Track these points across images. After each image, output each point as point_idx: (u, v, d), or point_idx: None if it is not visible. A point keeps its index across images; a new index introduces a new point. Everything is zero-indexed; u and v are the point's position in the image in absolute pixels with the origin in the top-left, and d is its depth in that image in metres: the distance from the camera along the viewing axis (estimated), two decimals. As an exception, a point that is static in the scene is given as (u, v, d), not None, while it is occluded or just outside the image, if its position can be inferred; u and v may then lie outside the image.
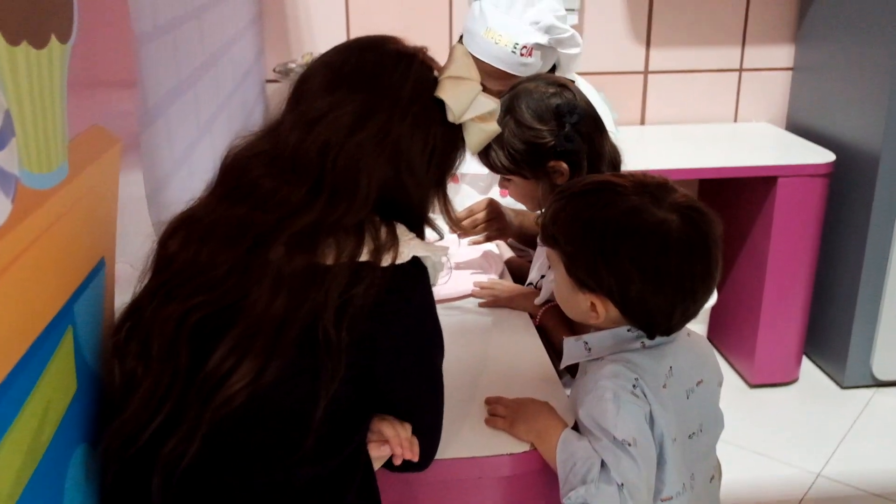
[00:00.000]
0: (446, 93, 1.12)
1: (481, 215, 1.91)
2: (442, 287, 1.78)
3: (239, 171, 1.10)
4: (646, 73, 3.23)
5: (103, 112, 1.09)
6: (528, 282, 1.81)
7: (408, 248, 1.07)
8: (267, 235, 1.04)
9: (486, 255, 1.99)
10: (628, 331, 1.24)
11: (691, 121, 3.30)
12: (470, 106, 1.13)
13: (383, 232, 1.07)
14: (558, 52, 2.10)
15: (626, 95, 3.24)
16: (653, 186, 1.22)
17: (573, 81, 1.80)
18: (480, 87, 1.15)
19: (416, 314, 1.09)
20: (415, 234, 1.11)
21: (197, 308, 1.01)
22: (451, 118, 1.13)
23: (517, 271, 1.97)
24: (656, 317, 1.21)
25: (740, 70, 3.27)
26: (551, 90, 1.64)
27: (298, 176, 1.06)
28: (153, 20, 1.38)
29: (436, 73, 1.14)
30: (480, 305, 1.78)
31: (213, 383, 0.99)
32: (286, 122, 1.10)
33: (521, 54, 2.04)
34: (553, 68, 2.16)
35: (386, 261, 1.05)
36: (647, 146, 3.05)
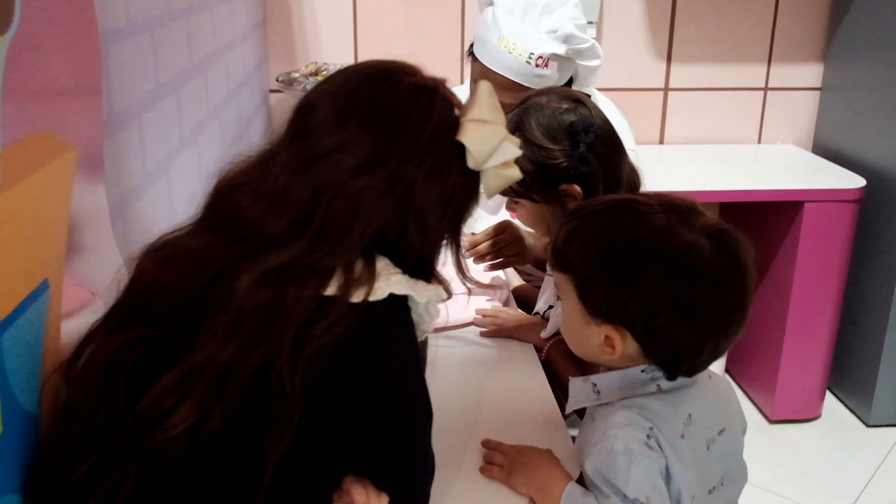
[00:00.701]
0: (469, 137, 1.00)
1: (500, 238, 1.78)
2: (442, 313, 1.66)
3: (223, 198, 0.99)
4: (666, 90, 3.13)
5: (54, 115, 0.97)
6: (534, 311, 1.67)
7: (385, 283, 0.94)
8: (234, 268, 0.92)
9: (493, 281, 1.86)
10: (642, 371, 1.11)
11: (713, 141, 3.20)
12: (494, 153, 1.01)
13: (359, 264, 0.94)
14: (576, 63, 1.96)
15: (644, 113, 3.13)
16: (681, 207, 1.09)
17: (589, 96, 1.67)
18: (505, 132, 1.03)
19: (388, 361, 0.95)
20: (401, 270, 0.98)
21: (141, 340, 0.89)
22: (471, 164, 1.01)
23: (524, 300, 1.83)
24: (682, 353, 1.08)
25: (765, 89, 3.15)
26: (565, 105, 1.50)
27: (286, 211, 0.95)
28: (126, 16, 1.26)
29: (456, 111, 1.02)
30: (482, 335, 1.64)
31: (146, 424, 0.86)
32: (282, 154, 0.99)
33: (537, 65, 1.91)
34: (570, 81, 2.02)
35: (357, 296, 0.92)
36: (666, 166, 2.95)
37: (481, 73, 1.96)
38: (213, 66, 1.91)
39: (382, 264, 0.96)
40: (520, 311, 1.72)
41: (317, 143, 0.96)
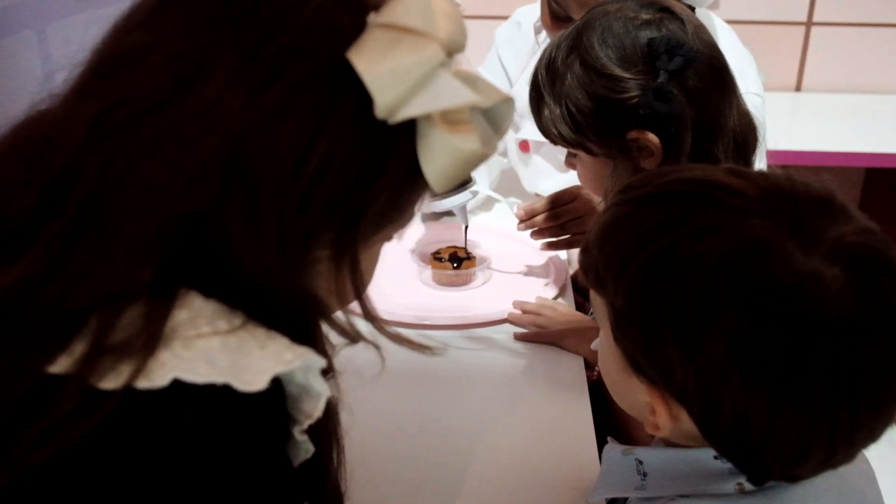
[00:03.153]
0: (366, 55, 0.55)
1: (565, 209, 1.32)
2: (462, 301, 1.23)
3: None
4: (808, 24, 2.66)
5: None
6: (591, 311, 1.22)
7: (172, 355, 0.53)
8: None
9: (550, 263, 1.40)
10: (716, 458, 0.67)
11: (863, 90, 2.72)
12: (416, 91, 0.56)
13: (133, 313, 0.54)
14: None
15: (778, 53, 2.67)
16: (801, 204, 0.63)
17: (693, 8, 1.19)
18: (451, 60, 0.59)
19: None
20: (226, 323, 0.56)
21: None
22: (379, 112, 0.56)
23: (588, 293, 1.38)
24: (772, 455, 0.62)
25: (935, 27, 2.65)
26: (645, 16, 1.03)
27: (38, 176, 0.56)
28: None
29: (372, 14, 0.58)
30: (517, 338, 1.21)
31: None
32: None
33: None
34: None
35: (112, 380, 0.52)
36: (800, 121, 2.54)
37: None
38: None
39: (186, 313, 0.55)
40: (573, 308, 1.27)
41: (115, 43, 0.56)
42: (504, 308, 1.25)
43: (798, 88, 2.76)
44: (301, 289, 0.58)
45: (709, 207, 0.64)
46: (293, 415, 0.59)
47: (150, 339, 0.52)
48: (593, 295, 0.73)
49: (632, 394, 0.69)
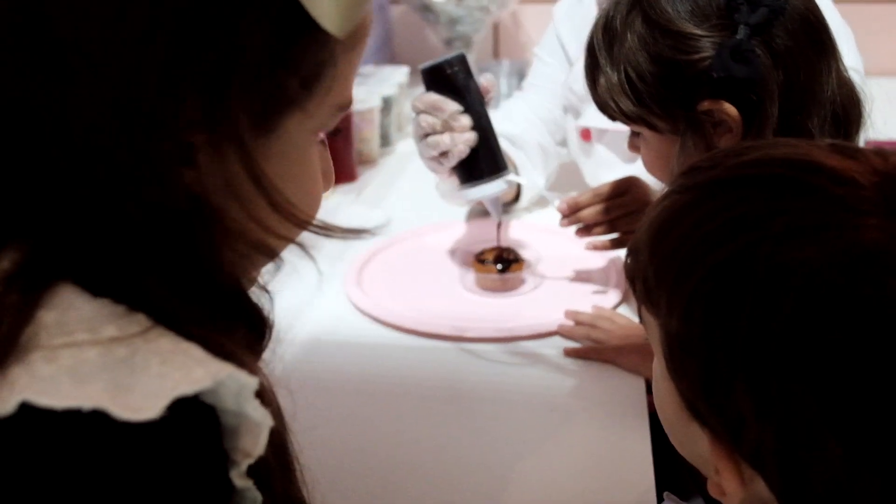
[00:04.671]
0: None
1: (615, 203, 1.13)
2: (507, 309, 1.05)
3: None
4: None
5: None
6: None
7: (26, 371, 0.39)
8: None
9: (612, 266, 1.21)
10: None
11: None
12: None
13: None
14: None
15: (882, 33, 2.35)
16: None
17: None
18: None
19: None
20: (113, 329, 0.42)
21: None
22: None
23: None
24: None
25: None
26: (720, -38, 0.84)
27: None
28: None
29: None
30: (567, 354, 1.02)
31: None
32: None
33: None
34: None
35: None
36: None
37: None
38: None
39: (55, 315, 0.41)
40: (636, 320, 1.07)
41: None
42: (555, 318, 1.06)
43: (904, 73, 2.46)
44: (179, 193, 0.43)
45: (803, 198, 0.45)
46: (230, 454, 0.43)
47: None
48: (644, 312, 0.55)
49: (692, 440, 0.51)
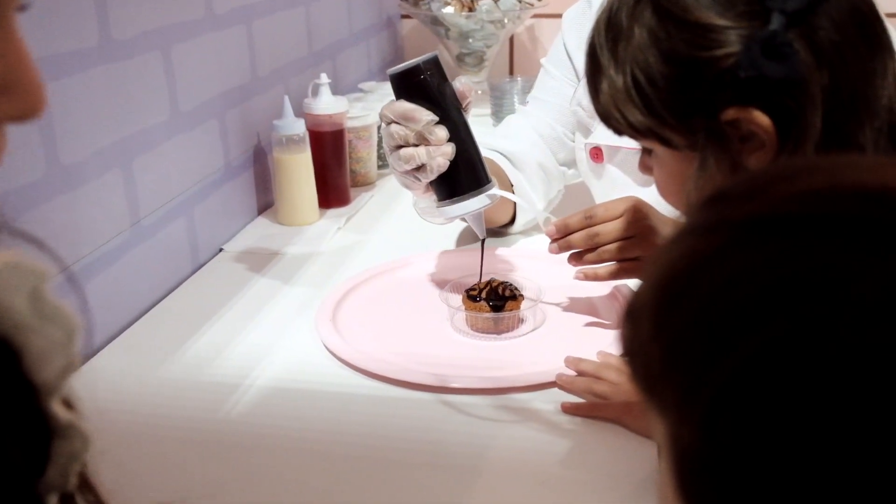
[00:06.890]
0: None
1: (608, 228, 0.98)
2: (499, 353, 0.91)
3: None
4: None
5: None
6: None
7: None
8: None
9: (615, 294, 1.06)
10: None
11: None
12: None
13: None
14: None
15: None
16: None
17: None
18: None
19: None
20: None
21: None
22: None
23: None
24: None
25: None
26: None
27: None
28: None
29: None
30: (565, 410, 0.86)
31: None
32: None
33: None
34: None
35: None
36: None
37: None
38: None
39: None
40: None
41: None
42: (554, 366, 0.91)
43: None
44: None
45: (884, 249, 0.30)
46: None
47: None
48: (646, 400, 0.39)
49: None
